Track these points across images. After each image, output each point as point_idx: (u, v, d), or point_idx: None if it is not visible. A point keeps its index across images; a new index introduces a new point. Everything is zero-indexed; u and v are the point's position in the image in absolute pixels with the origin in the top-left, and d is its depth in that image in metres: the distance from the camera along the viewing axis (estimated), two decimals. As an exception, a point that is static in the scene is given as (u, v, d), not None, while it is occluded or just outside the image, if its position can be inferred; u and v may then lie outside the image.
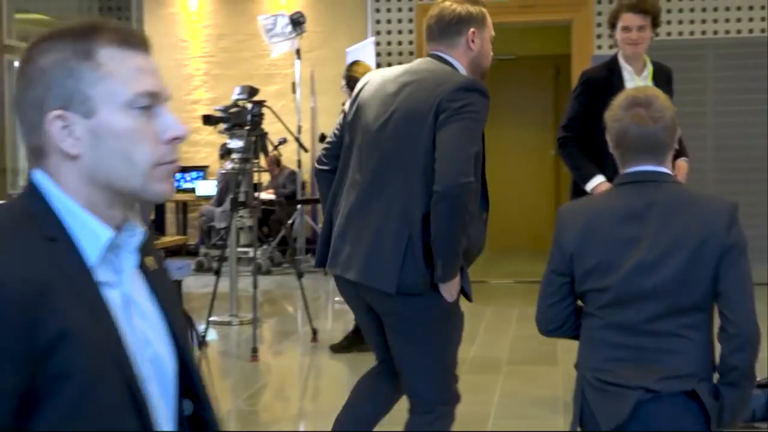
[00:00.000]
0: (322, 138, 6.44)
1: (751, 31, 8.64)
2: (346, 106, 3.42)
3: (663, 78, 4.66)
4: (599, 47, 8.88)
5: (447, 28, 3.22)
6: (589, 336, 2.70)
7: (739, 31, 8.63)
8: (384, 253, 3.04)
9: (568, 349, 6.18)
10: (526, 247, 11.51)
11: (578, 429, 2.69)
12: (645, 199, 2.62)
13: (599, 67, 4.75)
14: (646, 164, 2.63)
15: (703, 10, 8.70)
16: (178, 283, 5.98)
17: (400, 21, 9.11)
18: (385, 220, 3.07)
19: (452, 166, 2.97)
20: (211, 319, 6.59)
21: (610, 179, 4.22)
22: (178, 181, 11.49)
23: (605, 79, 4.56)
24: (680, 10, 8.74)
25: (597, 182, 4.42)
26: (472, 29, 3.21)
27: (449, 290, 3.12)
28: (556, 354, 5.97)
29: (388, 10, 9.13)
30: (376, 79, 3.31)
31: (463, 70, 3.23)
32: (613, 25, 4.66)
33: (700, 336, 2.58)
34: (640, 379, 2.55)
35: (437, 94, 3.05)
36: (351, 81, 6.23)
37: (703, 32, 8.67)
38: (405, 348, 3.19)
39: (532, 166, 11.77)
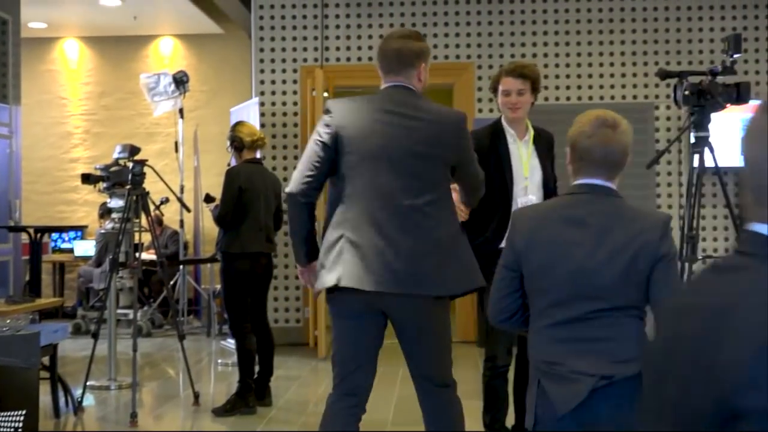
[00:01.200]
0: (207, 198, 6.37)
1: (635, 97, 8.99)
2: (324, 140, 3.70)
3: (545, 143, 4.77)
4: (480, 111, 9.08)
5: (406, 61, 3.74)
6: (538, 331, 2.92)
7: (624, 97, 8.97)
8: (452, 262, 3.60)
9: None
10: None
11: (533, 427, 2.88)
12: (590, 208, 2.90)
13: (485, 129, 4.82)
14: (600, 178, 2.92)
15: (590, 76, 9.01)
16: (54, 346, 5.79)
17: (284, 82, 9.15)
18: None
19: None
20: (89, 383, 6.39)
21: (494, 232, 4.33)
22: (54, 241, 11.18)
23: (491, 143, 4.67)
24: (567, 76, 9.03)
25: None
26: (423, 63, 3.76)
27: None
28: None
29: (273, 71, 9.17)
30: (352, 115, 3.75)
31: None
32: (494, 90, 4.74)
33: (639, 325, 2.85)
34: (594, 366, 2.78)
35: (446, 131, 3.64)
36: (235, 141, 6.21)
37: (590, 97, 8.98)
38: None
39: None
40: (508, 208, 4.50)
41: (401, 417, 5.96)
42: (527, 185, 4.63)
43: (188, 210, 7.48)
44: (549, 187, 4.69)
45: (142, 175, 6.49)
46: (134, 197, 6.45)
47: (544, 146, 4.76)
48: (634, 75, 8.96)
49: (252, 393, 6.08)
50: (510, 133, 4.72)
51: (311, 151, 3.66)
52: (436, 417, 3.76)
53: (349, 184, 3.64)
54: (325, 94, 8.54)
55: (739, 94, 4.86)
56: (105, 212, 10.05)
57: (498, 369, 4.65)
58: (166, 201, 7.67)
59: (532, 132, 4.77)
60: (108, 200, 7.03)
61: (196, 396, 6.30)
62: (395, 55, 3.79)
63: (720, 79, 4.83)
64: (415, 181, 3.55)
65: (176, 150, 9.74)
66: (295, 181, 3.69)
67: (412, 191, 3.54)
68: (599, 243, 2.84)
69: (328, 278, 3.58)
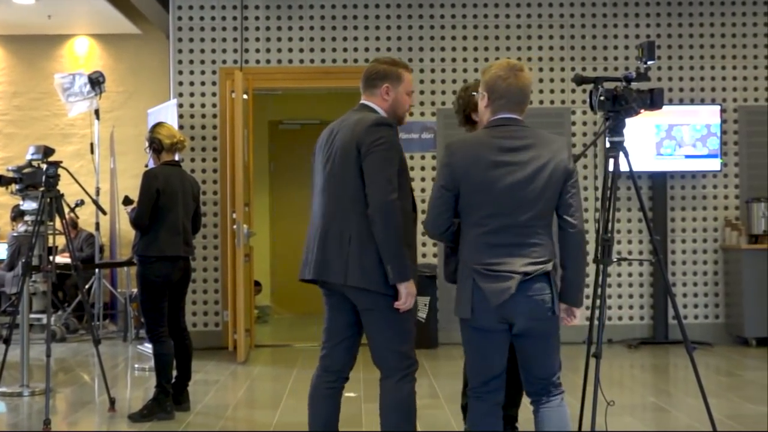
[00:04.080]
0: (125, 200, 6.26)
1: (552, 102, 9.11)
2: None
3: None
4: (410, 114, 9.11)
5: (370, 81, 4.15)
6: (473, 239, 3.61)
7: (541, 102, 9.08)
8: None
9: (371, 411, 6.21)
10: (330, 310, 11.55)
11: (469, 315, 3.57)
12: (516, 135, 3.62)
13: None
14: (515, 113, 3.67)
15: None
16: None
17: (203, 83, 9.06)
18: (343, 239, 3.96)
19: (377, 188, 3.84)
20: (0, 390, 6.23)
21: None
22: (-35, 244, 10.89)
23: None
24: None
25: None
26: (386, 84, 4.09)
27: (403, 289, 3.87)
28: (361, 416, 5.98)
29: (191, 73, 9.07)
30: (325, 131, 4.22)
31: (383, 113, 4.08)
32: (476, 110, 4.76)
33: (550, 231, 3.62)
34: (519, 265, 3.53)
35: (356, 133, 3.95)
36: (154, 143, 6.13)
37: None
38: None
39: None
40: None
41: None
42: None
43: (104, 212, 7.34)
44: None
45: (57, 176, 6.36)
46: (48, 199, 6.31)
47: None
48: (551, 80, 9.09)
49: (169, 398, 6.00)
50: None
51: None
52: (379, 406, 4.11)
53: None
54: (245, 96, 8.48)
55: (652, 100, 4.95)
56: (18, 215, 9.83)
57: None
58: (81, 203, 7.53)
59: None
60: (21, 203, 6.87)
61: (112, 401, 6.19)
62: (363, 76, 4.22)
63: (634, 85, 4.91)
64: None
65: (92, 152, 9.58)
66: None
67: None
68: (527, 163, 3.56)
69: None
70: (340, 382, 4.18)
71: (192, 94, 9.07)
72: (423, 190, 9.06)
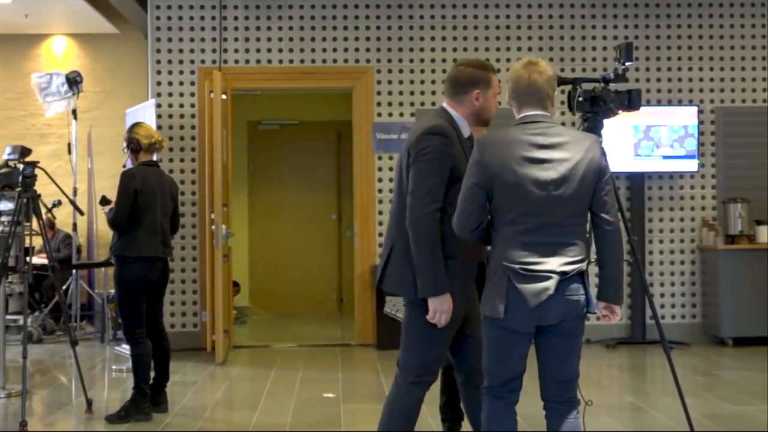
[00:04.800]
0: (103, 200, 6.23)
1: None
2: None
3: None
4: (379, 114, 9.12)
5: (459, 87, 4.06)
6: (507, 238, 3.56)
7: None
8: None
9: (350, 411, 6.21)
10: (309, 311, 11.54)
11: (502, 315, 3.51)
12: (548, 132, 3.59)
13: None
14: (538, 109, 3.65)
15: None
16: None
17: (181, 83, 9.03)
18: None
19: (414, 199, 3.86)
20: (-24, 391, 6.18)
21: None
22: (-60, 245, 10.79)
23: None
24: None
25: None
26: (477, 90, 4.02)
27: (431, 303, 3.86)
28: (339, 417, 5.97)
29: (170, 72, 9.03)
30: None
31: (461, 120, 4.05)
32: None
33: (585, 229, 3.61)
34: (556, 265, 3.49)
35: (409, 141, 4.00)
36: (132, 143, 6.10)
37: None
38: None
39: (316, 231, 11.86)
40: None
41: (300, 420, 5.94)
42: None
43: (81, 213, 7.30)
44: None
45: (33, 177, 6.32)
46: (25, 200, 6.27)
47: None
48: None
49: (147, 399, 5.97)
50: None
51: None
52: None
53: None
54: (223, 96, 8.46)
55: (630, 101, 4.98)
56: (-6, 215, 9.76)
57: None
58: (58, 204, 7.49)
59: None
60: (-3, 203, 6.82)
61: (89, 403, 6.15)
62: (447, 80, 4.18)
63: (612, 86, 4.94)
64: None
65: (69, 152, 9.52)
66: None
67: None
68: (562, 160, 3.54)
69: None
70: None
71: (170, 94, 9.04)
72: (402, 191, 9.06)
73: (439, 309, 3.83)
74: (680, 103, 9.23)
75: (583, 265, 3.55)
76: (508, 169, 3.54)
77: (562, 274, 3.49)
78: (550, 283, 3.47)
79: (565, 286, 3.50)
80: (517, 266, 3.51)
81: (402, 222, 3.92)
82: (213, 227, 8.20)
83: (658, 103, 9.21)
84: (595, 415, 5.48)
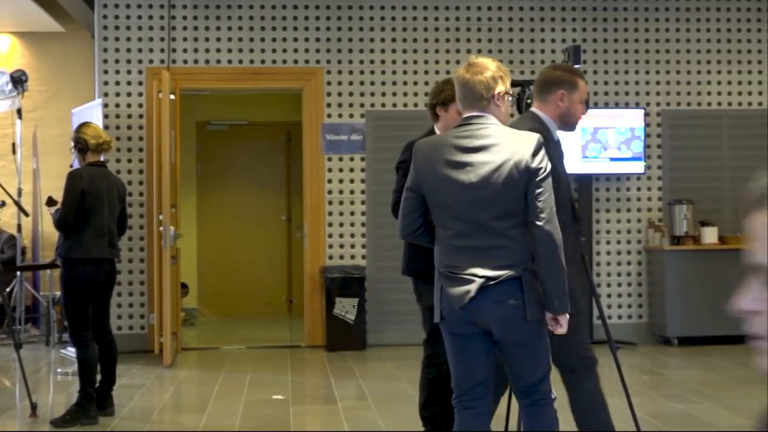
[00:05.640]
0: (49, 201, 6.14)
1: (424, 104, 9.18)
2: None
3: None
4: (329, 116, 9.11)
5: (544, 87, 4.12)
6: (440, 241, 3.56)
7: (404, 104, 9.14)
8: None
9: (300, 413, 6.19)
10: (259, 313, 11.49)
11: (440, 319, 3.52)
12: (475, 134, 3.51)
13: (420, 138, 4.92)
14: (474, 110, 3.56)
15: (437, 83, 9.15)
16: None
17: (129, 83, 8.93)
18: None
19: None
20: None
21: None
22: None
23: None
24: (415, 83, 9.14)
25: None
26: (561, 90, 4.07)
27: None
28: (289, 419, 5.95)
29: (117, 72, 8.94)
30: None
31: (550, 122, 4.08)
32: (444, 103, 4.80)
33: (522, 232, 3.45)
34: (482, 270, 3.42)
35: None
36: (79, 143, 6.03)
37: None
38: None
39: (266, 232, 11.80)
40: None
41: (249, 422, 5.90)
42: None
43: (26, 214, 7.20)
44: None
45: (-23, 177, 6.21)
46: (-32, 200, 6.16)
47: None
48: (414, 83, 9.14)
49: (93, 403, 5.90)
50: None
51: None
52: None
53: None
54: (172, 96, 8.38)
55: (578, 104, 5.03)
56: (-64, 216, 9.58)
57: (444, 365, 4.65)
58: (2, 204, 7.38)
59: None
60: (-61, 203, 6.70)
61: (34, 407, 6.06)
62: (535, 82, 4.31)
63: (561, 88, 4.98)
64: None
65: (14, 152, 9.37)
66: None
67: None
68: (483, 162, 3.45)
69: None
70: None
71: (118, 94, 8.94)
72: (352, 192, 9.06)
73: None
74: (627, 105, 9.34)
75: (516, 270, 3.41)
76: (432, 173, 3.52)
77: (486, 278, 3.41)
78: (472, 287, 3.41)
79: (495, 290, 3.40)
80: (444, 270, 3.51)
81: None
82: (161, 229, 8.13)
83: (606, 105, 9.31)
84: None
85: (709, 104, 9.46)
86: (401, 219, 3.66)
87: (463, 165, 3.47)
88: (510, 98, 3.67)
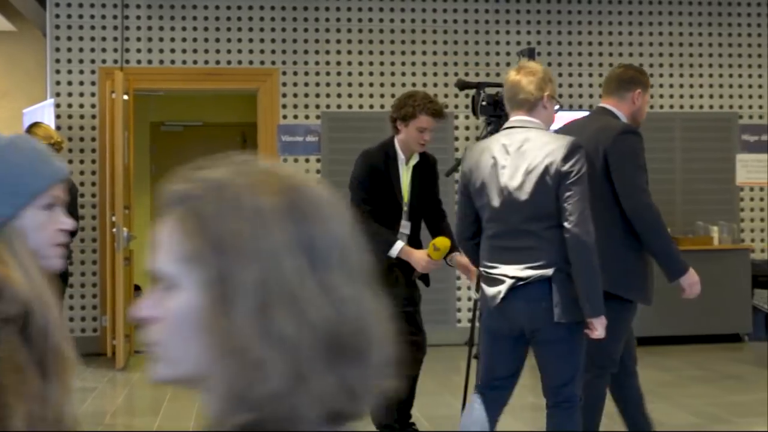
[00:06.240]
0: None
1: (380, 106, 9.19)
2: None
3: (429, 166, 5.00)
4: (284, 117, 9.07)
5: (623, 84, 4.28)
6: (483, 242, 3.70)
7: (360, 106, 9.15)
8: None
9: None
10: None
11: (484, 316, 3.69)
12: (514, 137, 3.62)
13: (377, 149, 4.94)
14: (518, 114, 3.72)
15: (392, 85, 9.15)
16: None
17: (82, 83, 8.83)
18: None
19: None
20: None
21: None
22: None
23: (384, 164, 4.84)
24: (371, 84, 9.14)
25: (400, 247, 4.70)
26: (639, 90, 4.26)
27: None
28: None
29: (70, 72, 8.83)
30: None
31: (624, 118, 4.24)
32: (404, 119, 4.80)
33: (555, 233, 3.50)
34: (511, 269, 3.53)
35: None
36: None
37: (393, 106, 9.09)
38: None
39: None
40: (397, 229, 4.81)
41: (202, 425, 5.85)
42: (405, 209, 4.86)
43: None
44: (436, 209, 5.01)
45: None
46: None
47: (431, 169, 4.98)
48: (435, 85, 9.17)
49: (45, 406, 5.82)
50: (400, 158, 4.89)
51: None
52: None
53: None
54: (125, 97, 8.30)
55: (533, 105, 5.06)
56: None
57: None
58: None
59: (415, 158, 4.94)
60: None
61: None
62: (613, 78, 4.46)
63: (515, 90, 5.01)
64: None
65: (-37, 152, 9.21)
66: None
67: None
68: (518, 165, 3.55)
69: None
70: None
71: (70, 94, 8.84)
72: (307, 194, 9.03)
73: (690, 282, 3.97)
74: (581, 108, 9.41)
75: (548, 271, 3.49)
76: (476, 176, 3.65)
77: (517, 278, 3.51)
78: (503, 287, 3.52)
79: (525, 290, 3.50)
80: (483, 269, 3.68)
81: (612, 226, 3.95)
82: (114, 230, 8.05)
83: (560, 107, 9.36)
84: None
85: (662, 107, 9.56)
86: (458, 222, 3.82)
87: (501, 167, 3.60)
88: (556, 103, 3.87)
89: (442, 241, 4.61)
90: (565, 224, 3.46)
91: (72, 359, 1.68)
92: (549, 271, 3.47)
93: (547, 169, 3.49)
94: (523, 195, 3.52)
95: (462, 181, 3.75)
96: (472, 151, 3.75)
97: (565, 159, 3.50)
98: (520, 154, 3.56)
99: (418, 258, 4.69)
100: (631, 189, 3.93)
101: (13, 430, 1.49)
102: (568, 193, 3.47)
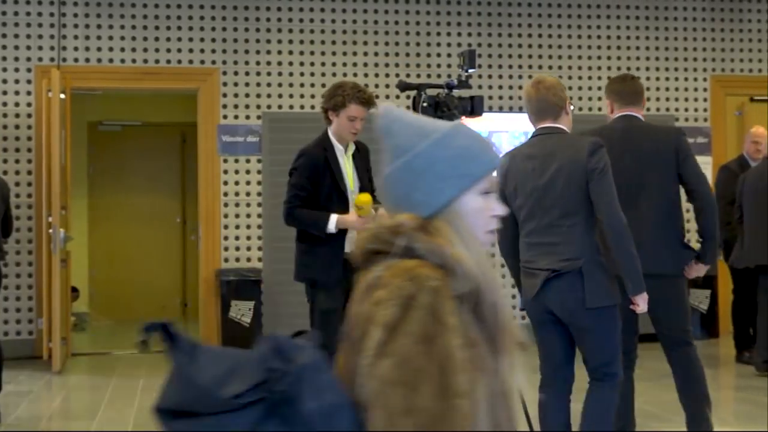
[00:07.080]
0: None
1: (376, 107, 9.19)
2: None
3: (364, 155, 5.08)
4: (225, 117, 9.01)
5: (639, 96, 4.74)
6: (521, 240, 4.05)
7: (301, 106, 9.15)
8: None
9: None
10: (152, 316, 11.23)
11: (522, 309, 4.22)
12: (540, 144, 4.07)
13: (314, 145, 4.98)
14: (544, 122, 4.15)
15: (323, 85, 9.11)
16: None
17: (17, 81, 8.68)
18: None
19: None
20: None
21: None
22: None
23: (323, 157, 4.89)
24: (312, 85, 9.11)
25: (334, 219, 4.76)
26: (646, 98, 4.82)
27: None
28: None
29: (4, 70, 8.68)
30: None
31: None
32: (334, 109, 4.90)
33: (584, 228, 3.90)
34: (545, 263, 3.92)
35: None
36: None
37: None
38: None
39: (160, 234, 11.61)
40: None
41: (141, 429, 5.79)
42: (352, 198, 4.93)
43: None
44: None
45: None
46: None
47: (364, 158, 5.05)
48: (376, 86, 9.18)
49: (-22, 411, 5.72)
50: (338, 148, 4.96)
51: None
52: None
53: None
54: (62, 96, 8.18)
55: (473, 107, 5.09)
56: None
57: None
58: None
59: (353, 146, 5.02)
60: None
61: None
62: (632, 88, 4.88)
63: (456, 92, 5.03)
64: None
65: None
66: None
67: None
68: (547, 168, 3.94)
69: None
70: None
71: (5, 93, 8.68)
72: (248, 194, 8.98)
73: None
74: (520, 110, 9.44)
75: (577, 263, 3.86)
76: (511, 179, 4.04)
77: (550, 270, 3.88)
78: (538, 280, 3.91)
79: (558, 282, 3.88)
80: (522, 265, 4.06)
81: (662, 211, 4.58)
82: (50, 231, 7.92)
83: (500, 110, 9.44)
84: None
85: (600, 109, 9.68)
86: (499, 236, 3.95)
87: (531, 170, 3.99)
88: (571, 106, 4.21)
89: (360, 198, 4.72)
90: (600, 216, 3.86)
91: (518, 336, 1.76)
92: (579, 262, 3.85)
93: (574, 168, 3.88)
94: (553, 194, 3.90)
95: (499, 187, 3.93)
96: (508, 156, 4.11)
97: (590, 156, 3.88)
98: (549, 157, 3.96)
99: (352, 220, 4.75)
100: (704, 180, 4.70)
101: (477, 402, 1.61)
102: (597, 189, 3.85)
